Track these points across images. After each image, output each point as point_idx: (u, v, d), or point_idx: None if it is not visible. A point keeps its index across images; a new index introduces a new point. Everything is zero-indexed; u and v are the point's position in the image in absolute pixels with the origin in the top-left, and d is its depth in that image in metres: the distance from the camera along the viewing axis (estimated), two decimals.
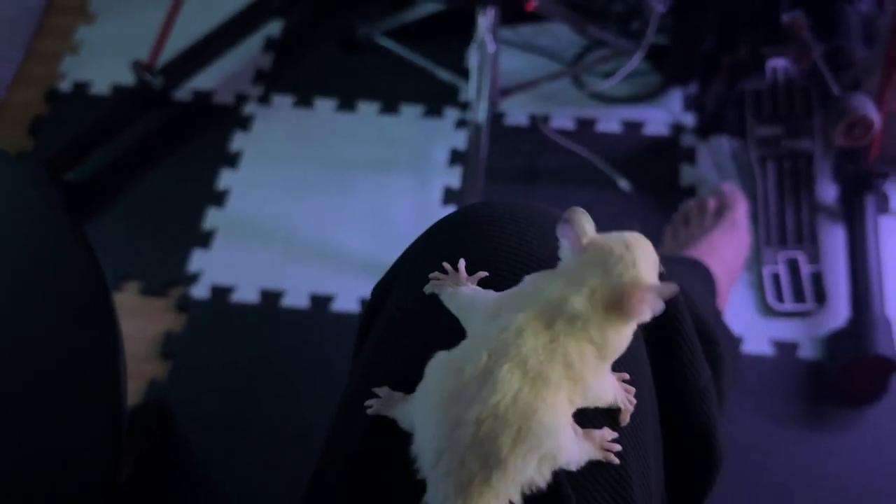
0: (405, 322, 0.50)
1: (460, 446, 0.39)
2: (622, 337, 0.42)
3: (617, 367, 0.45)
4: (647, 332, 0.51)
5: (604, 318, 0.41)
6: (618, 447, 0.43)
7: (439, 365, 0.42)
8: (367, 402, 0.45)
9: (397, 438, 0.42)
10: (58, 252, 0.70)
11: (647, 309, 0.41)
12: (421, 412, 0.41)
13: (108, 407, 0.64)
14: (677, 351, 0.53)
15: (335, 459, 0.49)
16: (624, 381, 0.45)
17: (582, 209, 0.44)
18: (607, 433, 0.43)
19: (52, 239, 0.71)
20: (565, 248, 0.43)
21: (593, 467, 0.42)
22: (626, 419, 0.45)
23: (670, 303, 0.52)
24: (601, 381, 0.42)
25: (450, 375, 0.41)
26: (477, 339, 0.42)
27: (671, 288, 0.41)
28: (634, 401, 0.45)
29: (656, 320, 0.49)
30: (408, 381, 0.43)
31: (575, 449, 0.41)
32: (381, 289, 0.55)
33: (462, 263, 0.48)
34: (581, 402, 0.41)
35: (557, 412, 0.40)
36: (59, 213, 0.71)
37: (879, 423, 1.10)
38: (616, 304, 0.41)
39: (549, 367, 0.40)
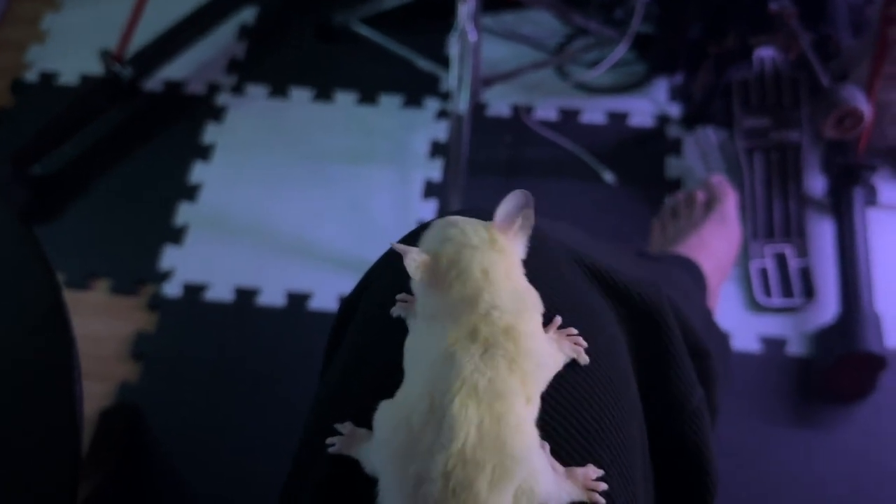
0: (371, 347, 0.46)
1: (429, 502, 0.35)
2: (521, 277, 0.41)
3: (606, 408, 0.42)
4: (635, 353, 0.48)
5: (506, 279, 0.40)
6: (603, 486, 0.40)
7: (385, 416, 0.39)
8: (329, 440, 0.41)
9: (361, 479, 0.39)
10: (6, 259, 0.66)
11: (523, 225, 0.42)
12: (380, 467, 0.38)
13: (64, 419, 0.60)
14: (666, 372, 0.50)
15: (299, 497, 0.45)
16: (572, 334, 0.44)
17: (398, 244, 0.42)
18: (591, 471, 0.40)
19: (1, 242, 0.67)
20: (417, 277, 0.41)
21: None
22: (584, 358, 0.43)
23: (658, 318, 0.49)
24: (540, 342, 0.40)
25: (399, 428, 0.37)
26: (412, 380, 0.39)
27: (521, 193, 0.42)
28: (584, 343, 0.43)
29: (644, 340, 0.46)
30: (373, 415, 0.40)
31: (551, 478, 0.38)
32: (349, 304, 0.52)
33: None
34: (541, 384, 0.39)
35: (524, 431, 0.37)
36: (8, 215, 0.67)
37: (868, 421, 1.09)
38: (502, 257, 0.40)
39: (497, 377, 0.37)
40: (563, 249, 0.48)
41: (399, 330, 0.42)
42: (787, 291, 1.16)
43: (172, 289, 1.19)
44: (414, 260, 0.40)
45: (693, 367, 0.52)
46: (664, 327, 0.49)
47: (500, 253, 0.41)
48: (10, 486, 0.58)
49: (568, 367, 0.42)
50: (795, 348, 1.13)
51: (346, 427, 0.42)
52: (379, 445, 0.39)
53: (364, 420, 0.41)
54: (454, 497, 0.35)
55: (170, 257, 1.22)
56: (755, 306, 1.16)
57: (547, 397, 0.41)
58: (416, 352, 0.40)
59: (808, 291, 1.16)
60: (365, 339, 0.48)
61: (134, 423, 1.10)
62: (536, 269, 0.42)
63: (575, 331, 0.44)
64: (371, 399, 0.40)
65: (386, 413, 0.39)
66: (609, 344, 0.46)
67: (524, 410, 0.38)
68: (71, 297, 0.67)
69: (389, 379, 0.40)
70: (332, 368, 0.50)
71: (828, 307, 1.15)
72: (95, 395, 1.11)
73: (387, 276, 0.49)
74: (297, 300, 1.18)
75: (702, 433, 0.51)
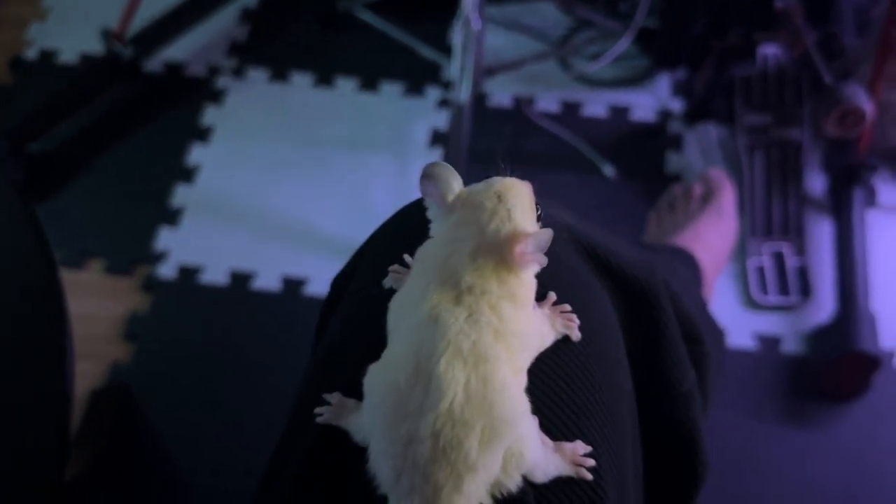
0: (362, 319, 0.46)
1: (419, 462, 0.35)
2: (524, 283, 0.40)
3: (596, 386, 0.41)
4: (628, 334, 0.48)
5: (496, 277, 0.39)
6: (591, 462, 0.40)
7: (374, 379, 0.39)
8: (318, 410, 0.41)
9: (348, 450, 0.39)
10: (5, 231, 0.65)
11: (532, 261, 0.39)
12: (371, 430, 0.38)
13: (54, 393, 0.60)
14: (660, 353, 0.50)
15: (282, 472, 0.45)
16: (565, 311, 0.43)
17: (445, 163, 0.41)
18: (579, 447, 0.40)
19: (1, 217, 0.66)
20: (432, 208, 0.41)
21: (565, 484, 0.39)
22: (577, 334, 0.43)
23: (652, 298, 0.49)
24: (531, 325, 0.40)
25: (388, 391, 0.37)
26: (398, 341, 0.39)
27: (548, 234, 0.39)
28: (577, 320, 0.43)
29: (637, 320, 0.45)
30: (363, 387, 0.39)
31: (539, 447, 0.38)
32: (341, 280, 0.52)
33: None
34: (528, 359, 0.39)
35: (511, 393, 0.37)
36: (9, 190, 0.67)
37: (861, 421, 1.09)
38: (501, 261, 0.39)
39: (482, 342, 0.37)
40: (557, 226, 0.48)
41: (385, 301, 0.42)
42: (783, 290, 1.16)
43: (167, 270, 1.18)
44: (446, 183, 0.40)
45: (686, 351, 0.52)
46: (658, 309, 0.49)
47: (499, 258, 0.39)
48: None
49: (560, 343, 0.42)
50: (790, 347, 1.13)
51: (334, 397, 0.42)
52: (369, 409, 0.38)
53: (352, 394, 0.41)
54: (444, 456, 0.35)
55: (165, 239, 1.21)
56: (751, 304, 1.16)
57: (538, 373, 0.40)
58: (401, 311, 0.40)
59: (805, 290, 1.16)
60: (355, 315, 0.47)
61: (125, 404, 1.09)
62: None
63: (569, 307, 0.43)
64: (359, 374, 0.40)
65: (375, 376, 0.39)
66: (601, 323, 0.46)
67: (509, 375, 0.37)
68: (65, 277, 0.66)
69: (378, 353, 0.40)
70: (321, 344, 0.49)
71: (824, 307, 1.14)
72: (87, 374, 1.10)
73: (377, 255, 0.49)
74: (293, 285, 1.18)
75: (693, 416, 0.51)
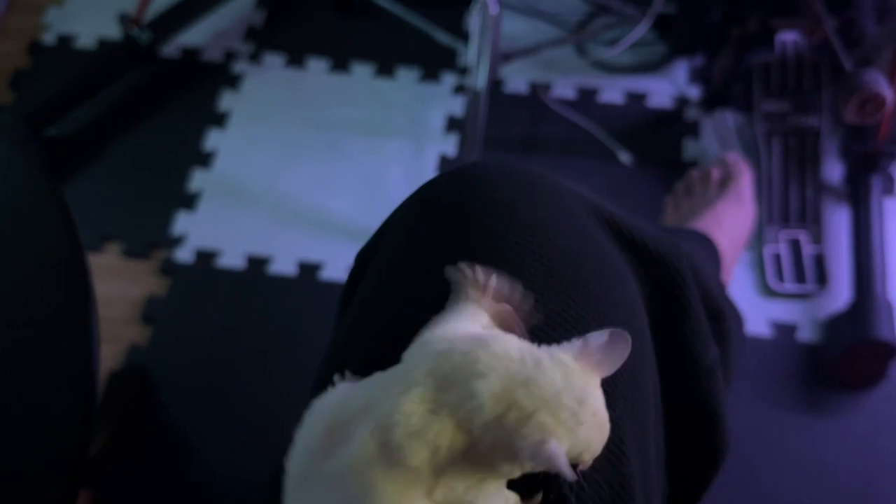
0: (387, 297, 0.46)
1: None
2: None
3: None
4: (651, 309, 0.48)
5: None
6: None
7: (323, 404, 0.36)
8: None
9: None
10: (32, 209, 0.66)
11: (530, 461, 0.31)
12: (290, 456, 0.36)
13: (80, 371, 0.61)
14: (682, 329, 0.49)
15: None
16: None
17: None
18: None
19: (27, 195, 0.67)
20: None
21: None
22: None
23: (676, 273, 0.48)
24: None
25: (324, 417, 0.35)
26: (370, 382, 0.36)
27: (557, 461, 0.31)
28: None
29: (661, 295, 0.45)
30: (386, 366, 0.39)
31: None
32: (365, 254, 0.52)
33: (493, 280, 0.38)
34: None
35: None
36: (35, 169, 0.67)
37: (876, 409, 1.08)
38: (508, 439, 0.31)
39: (409, 451, 0.31)
40: (581, 202, 0.48)
41: (414, 282, 0.41)
42: (800, 277, 1.16)
43: (184, 254, 1.19)
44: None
45: (709, 326, 0.52)
46: (682, 284, 0.49)
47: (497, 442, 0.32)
48: (24, 434, 0.59)
49: (588, 319, 0.42)
50: (806, 334, 1.13)
51: (347, 377, 0.40)
52: (301, 431, 0.36)
53: (367, 374, 0.40)
54: None
55: (183, 223, 1.22)
56: (768, 291, 1.16)
57: (563, 332, 0.40)
58: (421, 348, 0.36)
59: (822, 278, 1.16)
60: (373, 294, 0.47)
61: (142, 386, 1.10)
62: (554, 217, 0.41)
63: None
64: (378, 354, 0.40)
65: (326, 400, 0.36)
66: (626, 296, 0.46)
67: (419, 496, 0.31)
68: None
69: (400, 328, 0.39)
70: (342, 322, 0.50)
71: (840, 295, 1.14)
72: (105, 356, 1.11)
73: (411, 222, 0.47)
74: (309, 270, 1.18)
75: (715, 391, 0.51)
